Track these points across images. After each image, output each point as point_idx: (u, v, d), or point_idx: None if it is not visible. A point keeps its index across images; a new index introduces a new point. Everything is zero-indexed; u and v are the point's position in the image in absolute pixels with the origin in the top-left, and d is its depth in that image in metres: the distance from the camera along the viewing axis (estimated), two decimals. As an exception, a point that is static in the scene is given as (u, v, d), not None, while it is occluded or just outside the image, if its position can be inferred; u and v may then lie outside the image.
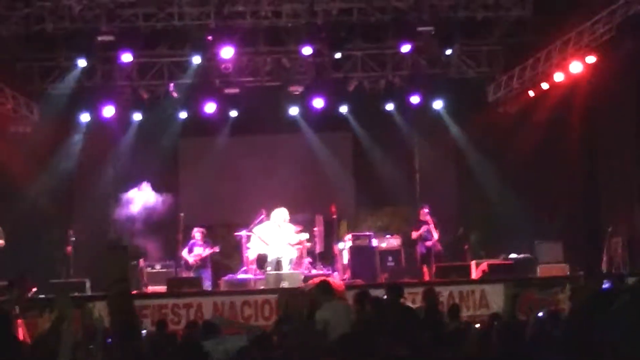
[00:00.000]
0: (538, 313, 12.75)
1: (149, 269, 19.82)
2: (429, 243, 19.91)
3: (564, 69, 19.90)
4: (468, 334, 10.18)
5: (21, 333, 14.35)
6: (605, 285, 13.59)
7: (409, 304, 13.62)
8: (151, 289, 18.99)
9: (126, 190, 20.42)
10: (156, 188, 20.44)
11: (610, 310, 9.00)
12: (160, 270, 19.80)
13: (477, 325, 12.25)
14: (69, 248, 19.15)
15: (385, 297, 12.64)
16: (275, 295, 16.68)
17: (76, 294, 17.26)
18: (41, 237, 20.82)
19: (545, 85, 20.86)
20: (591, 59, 19.12)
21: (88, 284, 17.90)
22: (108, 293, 8.53)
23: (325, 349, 8.15)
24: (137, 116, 22.27)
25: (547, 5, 19.63)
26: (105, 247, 12.99)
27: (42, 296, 17.11)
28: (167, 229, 20.47)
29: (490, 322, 11.98)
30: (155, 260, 20.15)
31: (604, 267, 18.42)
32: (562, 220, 20.79)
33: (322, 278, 15.64)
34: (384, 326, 10.66)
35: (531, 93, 21.46)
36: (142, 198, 20.26)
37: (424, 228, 20.04)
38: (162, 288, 18.41)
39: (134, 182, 20.53)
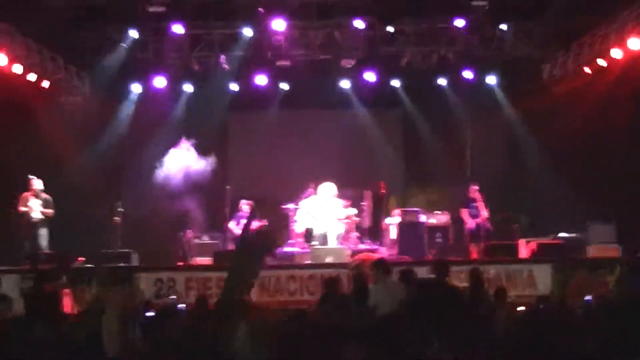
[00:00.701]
0: (586, 297, 12.57)
1: (196, 240, 19.85)
2: (477, 220, 19.71)
3: (622, 46, 19.48)
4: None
5: (68, 303, 14.50)
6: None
7: (456, 282, 13.54)
8: (198, 260, 18.99)
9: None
10: (200, 150, 20.35)
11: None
12: (208, 242, 19.79)
13: (522, 308, 12.03)
14: (117, 219, 19.22)
15: (431, 275, 12.58)
16: (320, 270, 16.66)
17: (122, 264, 17.46)
18: (90, 208, 20.92)
19: (602, 62, 20.45)
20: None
21: (135, 255, 17.99)
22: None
23: (370, 328, 8.03)
24: (188, 88, 22.30)
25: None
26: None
27: (90, 265, 17.28)
28: (214, 200, 20.48)
29: (537, 305, 11.83)
30: (202, 231, 20.16)
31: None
32: (616, 202, 20.42)
33: (373, 255, 15.61)
34: (428, 308, 10.55)
35: (587, 70, 21.05)
36: (185, 158, 20.20)
37: (473, 205, 19.85)
38: (208, 260, 18.41)
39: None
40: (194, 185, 19.92)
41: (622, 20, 19.26)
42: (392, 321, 7.02)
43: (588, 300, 12.13)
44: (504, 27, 20.57)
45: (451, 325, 8.85)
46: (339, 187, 19.64)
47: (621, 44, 19.44)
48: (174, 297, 15.94)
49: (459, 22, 20.30)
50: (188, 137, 20.28)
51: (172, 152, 20.13)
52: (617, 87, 20.32)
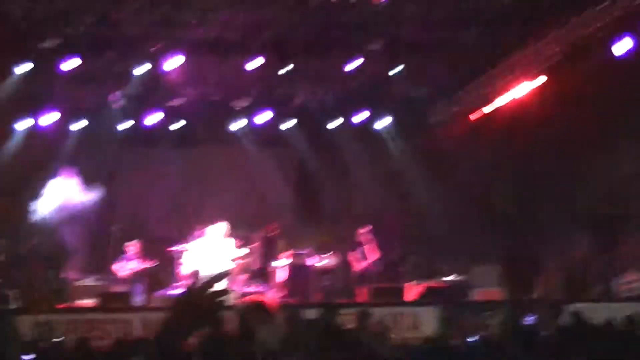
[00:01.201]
0: (470, 338, 12.73)
1: (79, 282, 19.40)
2: (365, 263, 19.81)
3: (509, 92, 19.95)
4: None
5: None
6: (529, 318, 13.66)
7: (343, 324, 13.57)
8: (81, 302, 18.56)
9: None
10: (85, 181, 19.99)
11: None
12: (92, 283, 19.36)
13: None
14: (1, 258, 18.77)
15: (318, 317, 12.62)
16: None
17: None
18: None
19: (491, 107, 20.88)
20: (538, 81, 19.17)
21: (10, 297, 17.45)
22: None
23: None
24: (79, 125, 21.97)
25: (493, 27, 19.63)
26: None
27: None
28: (100, 240, 20.14)
29: (424, 346, 11.92)
30: (86, 272, 19.76)
31: (540, 294, 18.47)
32: (500, 245, 20.79)
33: (259, 298, 15.52)
34: (315, 348, 10.60)
35: (476, 115, 21.47)
36: (66, 189, 19.79)
37: (361, 248, 19.94)
38: (92, 302, 18.03)
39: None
40: (76, 219, 19.54)
41: (508, 67, 19.75)
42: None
43: (472, 340, 12.30)
44: (397, 69, 20.77)
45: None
46: (230, 228, 19.51)
47: (508, 90, 19.93)
48: (58, 339, 15.54)
49: (352, 64, 20.42)
50: (77, 174, 19.93)
51: (52, 183, 19.71)
52: (505, 131, 20.79)
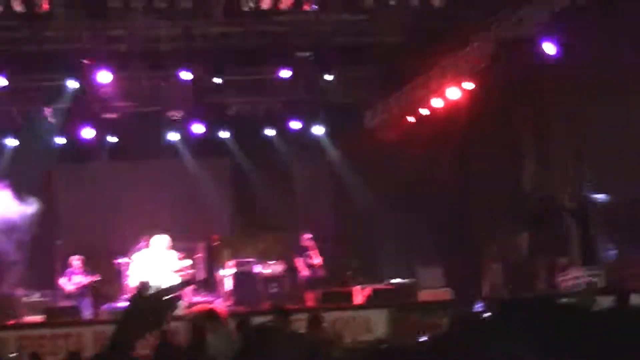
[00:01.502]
0: (420, 338, 12.93)
1: (26, 298, 19.26)
2: (311, 268, 19.94)
3: (442, 95, 20.25)
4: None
5: None
6: (477, 307, 13.90)
7: (295, 330, 13.68)
8: (29, 319, 18.43)
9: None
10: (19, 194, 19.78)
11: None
12: (38, 299, 19.24)
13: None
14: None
15: (269, 322, 12.67)
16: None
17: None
18: None
19: (424, 111, 21.19)
20: (469, 86, 19.47)
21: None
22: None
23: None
24: (12, 142, 21.70)
25: (423, 31, 19.91)
26: None
27: None
28: (42, 255, 19.93)
29: (373, 348, 12.07)
30: (32, 288, 19.58)
31: (485, 292, 18.79)
32: (443, 245, 21.10)
33: (209, 306, 15.56)
34: (267, 354, 10.65)
35: (410, 119, 21.76)
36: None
37: (306, 254, 20.08)
38: (39, 318, 17.92)
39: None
40: (11, 231, 19.29)
41: (441, 70, 20.06)
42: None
43: (422, 339, 12.46)
44: (328, 77, 20.95)
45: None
46: (172, 239, 19.50)
47: (441, 93, 20.23)
48: (12, 355, 15.40)
49: (285, 73, 20.55)
50: (9, 186, 19.66)
51: None
52: (439, 134, 21.11)
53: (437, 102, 20.53)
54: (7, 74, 19.46)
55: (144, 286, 18.90)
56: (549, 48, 17.02)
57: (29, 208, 19.39)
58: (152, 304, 3.66)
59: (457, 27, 19.81)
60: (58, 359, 14.47)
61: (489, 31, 18.42)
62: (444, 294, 18.57)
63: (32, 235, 19.39)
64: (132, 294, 3.32)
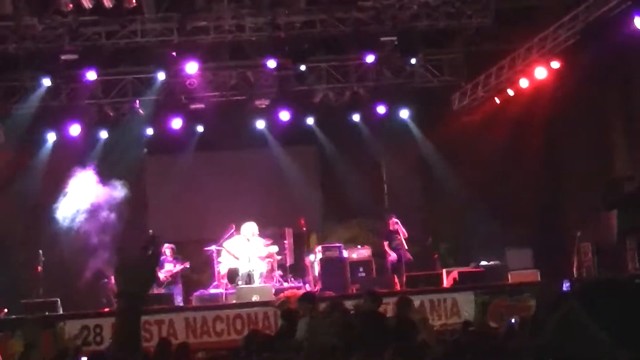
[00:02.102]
0: (509, 320, 12.87)
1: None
2: (399, 253, 19.95)
3: (529, 75, 20.06)
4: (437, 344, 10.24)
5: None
6: (565, 286, 13.73)
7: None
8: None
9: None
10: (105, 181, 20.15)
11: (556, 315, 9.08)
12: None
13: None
14: (39, 268, 19.02)
15: (359, 306, 12.73)
16: (246, 309, 16.79)
17: (47, 313, 17.32)
18: (9, 259, 20.67)
19: (510, 92, 21.02)
20: (555, 65, 19.24)
21: (59, 303, 17.85)
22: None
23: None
24: (104, 134, 22.15)
25: (508, 12, 19.78)
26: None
27: (13, 317, 17.10)
28: (136, 245, 20.24)
29: (462, 330, 12.06)
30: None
31: (574, 272, 18.54)
32: (531, 227, 20.91)
33: (297, 292, 15.72)
34: (360, 337, 10.69)
35: (497, 100, 21.61)
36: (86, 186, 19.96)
37: (393, 237, 20.10)
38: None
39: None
40: (98, 214, 19.69)
41: (527, 51, 19.86)
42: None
43: (511, 322, 12.41)
44: (413, 60, 20.92)
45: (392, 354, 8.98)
46: (260, 226, 19.71)
47: (528, 73, 20.03)
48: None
49: (369, 58, 20.56)
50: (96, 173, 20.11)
51: (71, 183, 19.91)
52: (526, 115, 20.90)
53: (523, 83, 20.33)
54: (97, 68, 19.85)
55: (233, 273, 19.17)
56: (638, 23, 16.59)
57: (116, 192, 19.79)
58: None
59: (544, 6, 19.65)
60: (151, 345, 14.72)
61: (576, 8, 18.13)
62: (533, 275, 18.39)
63: (124, 224, 19.76)
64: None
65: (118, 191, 19.72)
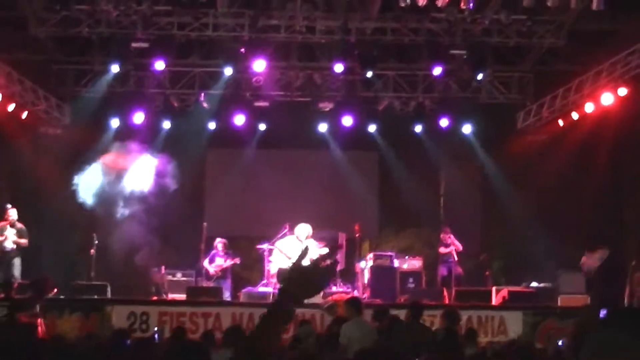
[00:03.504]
0: (557, 342, 12.78)
1: (169, 277, 19.85)
2: (449, 266, 19.88)
3: (595, 100, 19.87)
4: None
5: (40, 331, 14.50)
6: (603, 313, 13.55)
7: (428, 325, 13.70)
8: (171, 296, 19.04)
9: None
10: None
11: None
12: (181, 278, 19.80)
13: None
14: (92, 251, 19.24)
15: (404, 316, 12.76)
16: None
17: (96, 297, 17.53)
18: (65, 240, 20.93)
19: (575, 115, 20.83)
20: (623, 91, 19.04)
21: (109, 287, 18.05)
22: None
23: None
24: (167, 124, 22.31)
25: (580, 34, 19.64)
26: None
27: (63, 297, 17.29)
28: (190, 236, 20.44)
29: (508, 349, 11.97)
30: (177, 268, 20.12)
31: (625, 300, 18.28)
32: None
33: (345, 297, 15.71)
34: (403, 345, 10.71)
35: (561, 122, 21.43)
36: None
37: (446, 251, 20.04)
38: (182, 296, 18.46)
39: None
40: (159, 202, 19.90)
41: (596, 75, 19.67)
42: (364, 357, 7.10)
43: (559, 344, 12.33)
44: (480, 75, 20.83)
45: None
46: (314, 228, 19.72)
47: (594, 97, 19.84)
48: (156, 329, 15.88)
49: (437, 70, 20.52)
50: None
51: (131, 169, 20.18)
52: (589, 140, 20.72)
53: (589, 107, 20.14)
54: (166, 58, 20.02)
55: (282, 273, 19.20)
56: None
57: (173, 182, 19.98)
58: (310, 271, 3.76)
59: (615, 32, 19.47)
60: (195, 337, 14.83)
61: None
62: (584, 300, 18.17)
63: (180, 215, 19.94)
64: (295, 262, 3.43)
65: (174, 181, 19.92)
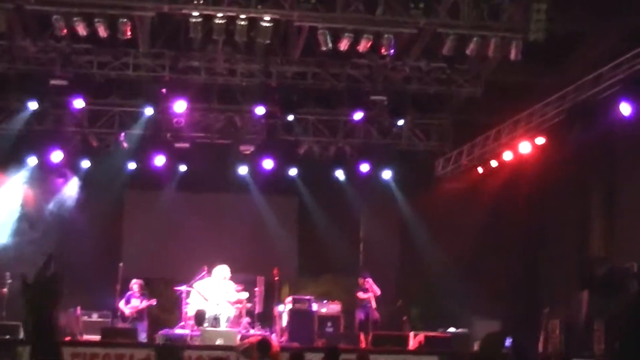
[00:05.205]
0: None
1: (85, 318, 19.51)
2: (367, 311, 19.84)
3: (513, 149, 20.13)
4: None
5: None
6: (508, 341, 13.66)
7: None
8: (85, 337, 18.69)
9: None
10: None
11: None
12: (97, 319, 19.50)
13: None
14: (4, 290, 18.82)
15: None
16: (209, 352, 16.64)
17: (7, 337, 17.11)
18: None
19: (494, 163, 21.07)
20: (540, 141, 19.33)
21: (22, 328, 17.62)
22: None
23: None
24: (85, 163, 21.98)
25: (499, 85, 19.93)
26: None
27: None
28: (105, 276, 20.11)
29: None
30: (92, 308, 19.78)
31: (540, 348, 18.45)
32: (503, 300, 20.89)
33: (263, 336, 15.60)
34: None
35: (480, 170, 21.65)
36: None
37: (363, 297, 20.00)
38: (96, 337, 18.13)
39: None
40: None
41: (514, 124, 19.98)
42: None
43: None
44: (401, 122, 21.01)
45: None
46: (233, 271, 19.53)
47: (512, 146, 20.11)
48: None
49: (358, 115, 20.65)
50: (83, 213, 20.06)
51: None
52: (507, 188, 20.97)
53: (507, 155, 20.40)
54: (85, 97, 19.79)
55: (200, 315, 18.99)
56: (625, 109, 16.58)
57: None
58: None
59: (532, 83, 19.82)
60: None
61: (564, 88, 18.28)
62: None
63: (96, 256, 19.68)
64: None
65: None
